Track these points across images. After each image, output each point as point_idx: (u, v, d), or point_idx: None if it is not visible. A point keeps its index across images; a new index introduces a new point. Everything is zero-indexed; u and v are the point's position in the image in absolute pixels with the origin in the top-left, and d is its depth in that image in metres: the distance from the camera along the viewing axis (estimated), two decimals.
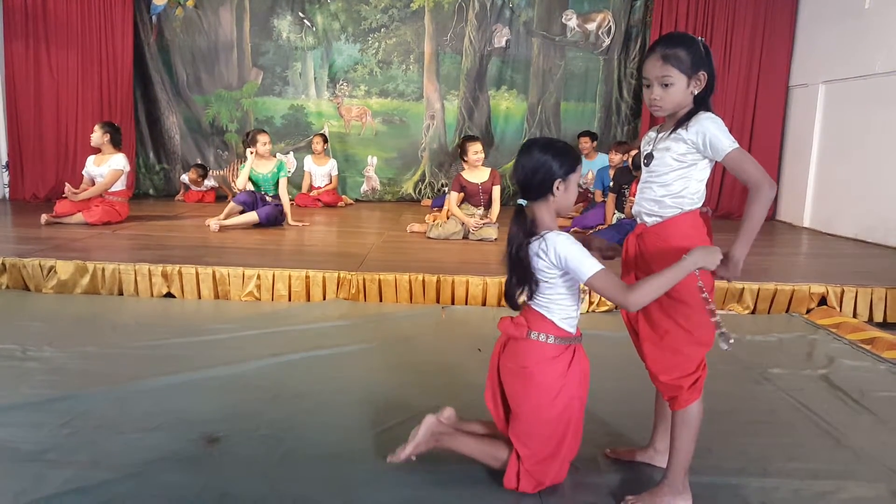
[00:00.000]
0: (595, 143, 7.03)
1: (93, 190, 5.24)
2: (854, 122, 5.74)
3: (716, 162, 1.69)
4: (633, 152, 5.55)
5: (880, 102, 5.39)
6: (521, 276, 1.70)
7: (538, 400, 1.70)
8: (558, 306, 1.70)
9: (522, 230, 1.69)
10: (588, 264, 1.59)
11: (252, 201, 5.34)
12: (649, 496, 1.74)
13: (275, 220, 5.37)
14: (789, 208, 6.69)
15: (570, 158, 1.69)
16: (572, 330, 1.73)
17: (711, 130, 1.63)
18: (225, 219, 5.19)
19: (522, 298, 1.75)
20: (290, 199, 7.28)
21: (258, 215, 5.25)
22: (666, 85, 1.67)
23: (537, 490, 1.76)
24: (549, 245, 1.63)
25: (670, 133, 1.70)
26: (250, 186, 5.44)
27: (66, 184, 5.29)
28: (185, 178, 7.47)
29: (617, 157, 6.16)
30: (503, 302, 1.81)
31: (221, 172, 7.70)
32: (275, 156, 7.61)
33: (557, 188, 1.68)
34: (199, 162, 7.55)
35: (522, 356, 1.72)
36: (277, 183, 5.45)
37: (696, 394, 1.71)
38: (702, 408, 1.72)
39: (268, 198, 5.44)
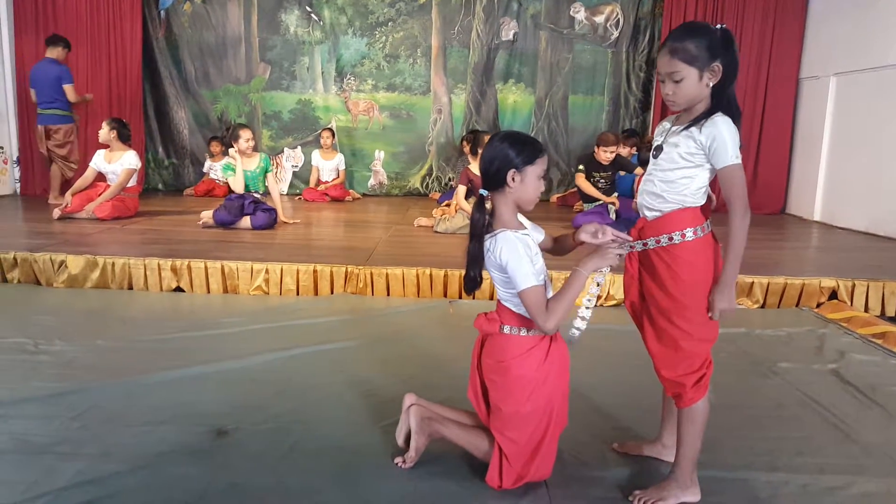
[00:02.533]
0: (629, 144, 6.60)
1: (109, 192, 5.27)
2: (865, 115, 5.67)
3: None
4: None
5: (892, 95, 5.33)
6: (473, 266, 1.69)
7: (518, 394, 1.68)
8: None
9: (482, 221, 1.67)
10: (522, 276, 1.59)
11: (230, 221, 4.99)
12: (656, 490, 1.73)
13: (268, 227, 5.07)
14: (799, 201, 6.64)
15: (528, 149, 1.65)
16: None
17: (723, 136, 1.58)
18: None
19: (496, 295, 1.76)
20: (297, 194, 7.35)
21: (252, 225, 4.99)
22: (677, 81, 1.62)
23: (517, 485, 1.73)
24: (498, 246, 1.63)
25: (683, 129, 1.65)
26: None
27: (87, 206, 5.24)
28: (207, 164, 7.51)
29: (625, 151, 6.13)
30: None
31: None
32: (280, 152, 7.70)
33: (513, 179, 1.65)
34: (216, 135, 7.49)
35: (498, 351, 1.71)
36: (264, 178, 5.19)
37: (701, 392, 1.69)
38: (708, 404, 1.71)
39: (256, 195, 5.13)
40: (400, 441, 1.89)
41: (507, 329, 1.70)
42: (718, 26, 1.63)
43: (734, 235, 1.63)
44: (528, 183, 1.67)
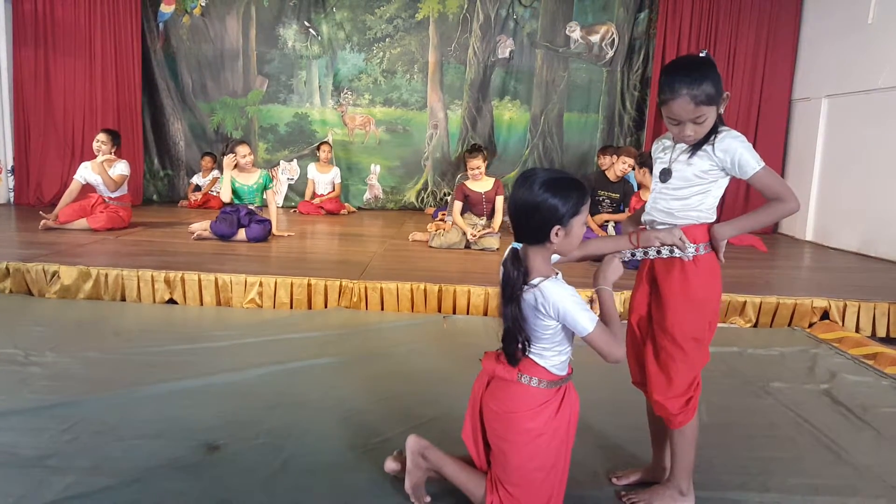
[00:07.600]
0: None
1: (104, 187, 5.30)
2: (856, 137, 5.75)
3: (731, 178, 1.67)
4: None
5: (883, 117, 5.41)
6: (520, 330, 1.51)
7: (525, 448, 1.55)
8: (552, 353, 1.55)
9: (520, 279, 1.49)
10: (585, 319, 1.46)
11: (230, 234, 4.97)
12: (648, 493, 1.78)
13: (263, 239, 5.08)
14: (791, 222, 6.69)
15: (574, 198, 1.46)
16: (564, 372, 1.58)
17: (739, 150, 1.60)
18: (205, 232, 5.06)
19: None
20: (293, 207, 7.36)
21: (247, 237, 4.99)
22: (700, 123, 1.61)
23: None
24: (547, 298, 1.46)
25: (693, 150, 1.66)
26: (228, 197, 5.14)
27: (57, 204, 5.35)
28: (196, 178, 7.53)
29: (607, 160, 6.14)
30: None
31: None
32: (276, 165, 7.71)
33: (556, 234, 1.47)
34: (209, 151, 7.58)
35: (509, 400, 1.56)
36: (262, 193, 5.17)
37: (690, 415, 1.71)
38: (697, 420, 1.74)
39: (251, 207, 5.12)
40: (392, 466, 1.86)
41: (525, 379, 1.54)
42: (702, 53, 1.65)
43: (775, 209, 1.64)
44: (573, 234, 1.50)
